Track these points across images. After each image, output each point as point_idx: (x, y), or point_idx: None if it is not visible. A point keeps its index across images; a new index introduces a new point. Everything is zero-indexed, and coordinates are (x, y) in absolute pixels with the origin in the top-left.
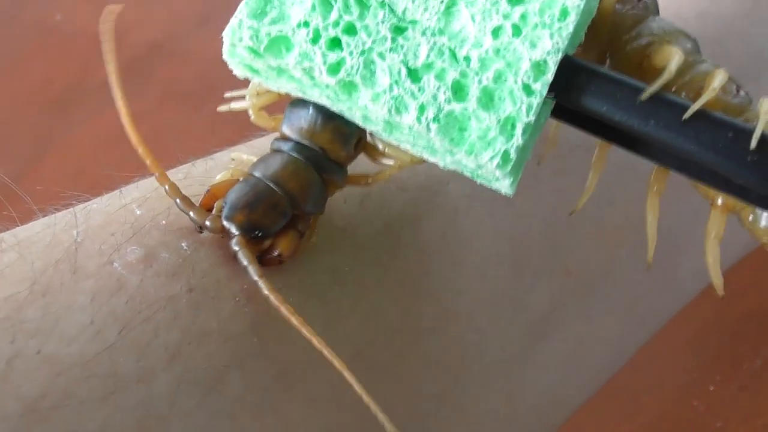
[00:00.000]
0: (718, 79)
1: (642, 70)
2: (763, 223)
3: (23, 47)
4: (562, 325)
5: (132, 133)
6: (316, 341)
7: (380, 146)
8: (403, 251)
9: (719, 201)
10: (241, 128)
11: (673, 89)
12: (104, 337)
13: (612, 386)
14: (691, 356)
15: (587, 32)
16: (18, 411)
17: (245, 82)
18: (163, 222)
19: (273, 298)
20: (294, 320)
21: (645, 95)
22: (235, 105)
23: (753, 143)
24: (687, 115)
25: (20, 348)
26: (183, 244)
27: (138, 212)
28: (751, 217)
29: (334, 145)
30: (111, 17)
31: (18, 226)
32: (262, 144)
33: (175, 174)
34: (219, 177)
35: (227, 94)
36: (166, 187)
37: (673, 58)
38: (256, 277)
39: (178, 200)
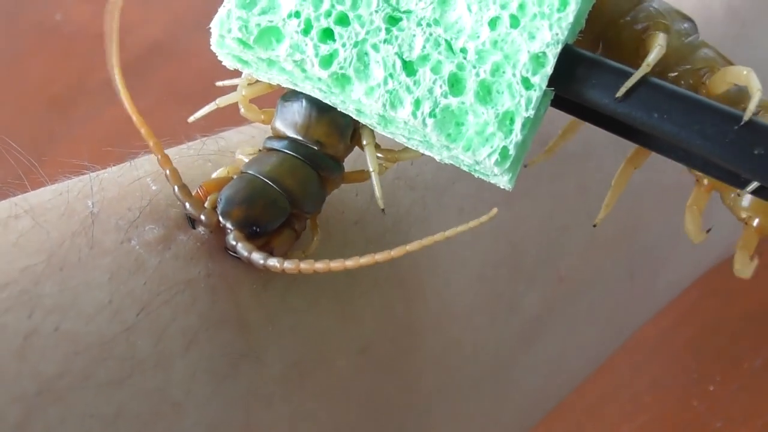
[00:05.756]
0: (656, 46)
1: (639, 56)
2: (744, 203)
3: (23, 47)
4: (550, 329)
5: (133, 113)
6: (352, 262)
7: (364, 142)
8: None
9: (705, 181)
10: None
11: (674, 74)
12: (123, 317)
13: (612, 386)
14: (691, 356)
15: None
16: (34, 389)
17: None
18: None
19: (292, 269)
20: (318, 266)
21: (620, 92)
22: (224, 99)
23: (745, 117)
24: (621, 91)
25: (38, 324)
26: (200, 228)
27: (153, 187)
28: (732, 195)
29: (331, 138)
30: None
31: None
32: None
33: (186, 151)
34: (214, 175)
35: (219, 83)
36: (167, 171)
37: (653, 50)
38: (263, 262)
39: (176, 188)
